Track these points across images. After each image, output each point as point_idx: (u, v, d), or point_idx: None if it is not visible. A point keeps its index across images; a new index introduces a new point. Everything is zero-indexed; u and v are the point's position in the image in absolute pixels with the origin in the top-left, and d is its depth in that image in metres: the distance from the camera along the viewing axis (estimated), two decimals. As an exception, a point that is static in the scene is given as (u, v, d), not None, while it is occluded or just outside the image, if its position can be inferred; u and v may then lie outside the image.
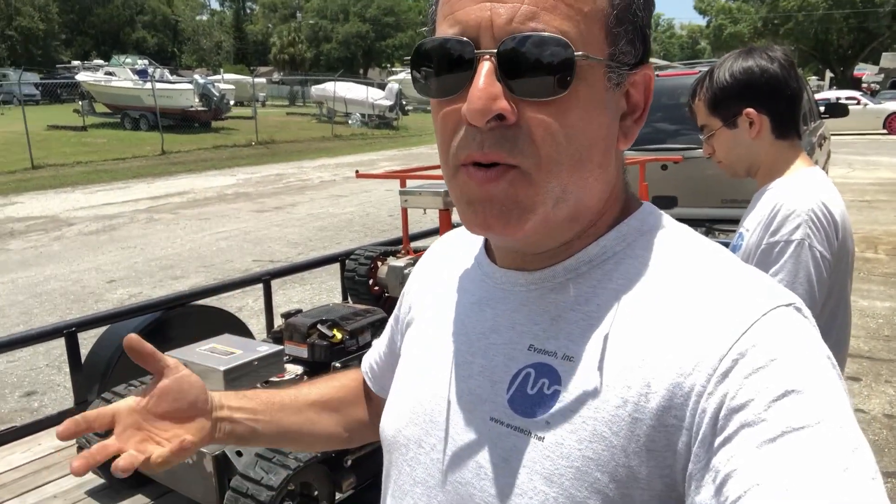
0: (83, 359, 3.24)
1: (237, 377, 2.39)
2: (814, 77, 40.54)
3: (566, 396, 0.59)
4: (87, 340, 3.50)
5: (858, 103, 21.76)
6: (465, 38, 0.57)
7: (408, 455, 0.71)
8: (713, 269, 0.61)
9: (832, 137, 8.92)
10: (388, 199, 11.79)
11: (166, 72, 27.63)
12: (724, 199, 5.83)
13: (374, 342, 0.97)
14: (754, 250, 1.49)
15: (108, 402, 2.65)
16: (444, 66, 0.59)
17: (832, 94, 22.18)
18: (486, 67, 0.56)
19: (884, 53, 38.63)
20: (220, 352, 2.50)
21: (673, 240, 0.65)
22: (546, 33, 0.55)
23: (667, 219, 0.68)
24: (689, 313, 0.57)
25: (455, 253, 0.81)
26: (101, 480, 2.67)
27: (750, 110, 1.55)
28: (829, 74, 39.89)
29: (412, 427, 0.71)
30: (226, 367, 2.36)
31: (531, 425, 0.60)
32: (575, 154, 0.58)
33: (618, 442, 0.55)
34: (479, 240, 0.78)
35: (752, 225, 1.55)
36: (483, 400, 0.65)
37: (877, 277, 6.60)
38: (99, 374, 3.17)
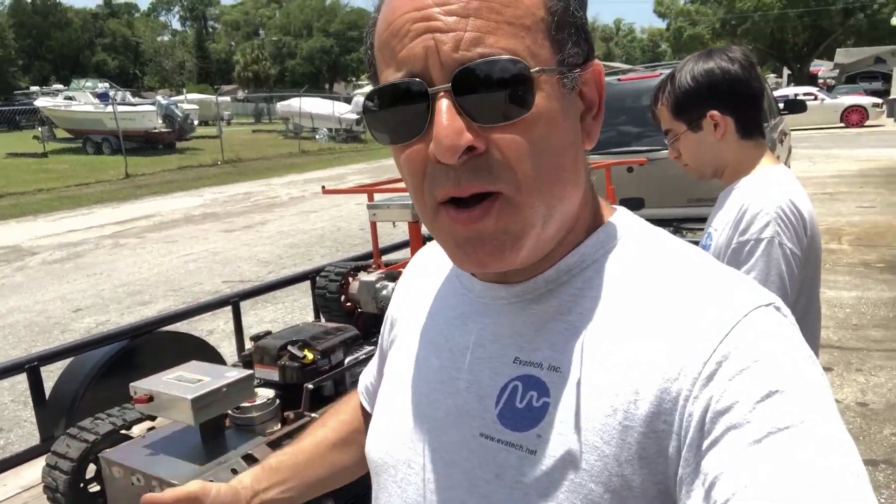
0: (48, 393, 3.15)
1: (206, 405, 2.33)
2: (772, 74, 41.44)
3: (555, 409, 0.59)
4: (54, 373, 3.40)
5: (816, 99, 22.32)
6: (416, 79, 0.56)
7: (397, 476, 0.70)
8: (691, 272, 0.61)
9: (792, 133, 9.10)
10: (358, 214, 11.71)
11: (128, 94, 27.39)
12: (689, 198, 5.91)
13: (370, 363, 0.96)
14: (724, 250, 1.49)
15: (75, 437, 2.57)
16: (400, 111, 0.58)
17: (790, 91, 22.73)
18: (444, 104, 0.55)
19: (837, 49, 39.66)
20: (188, 380, 2.44)
21: (650, 244, 0.65)
22: (496, 56, 0.55)
23: (641, 222, 0.68)
24: (671, 317, 0.57)
25: (433, 267, 0.80)
26: (70, 519, 2.58)
27: (714, 112, 1.55)
28: (786, 72, 40.83)
29: (400, 447, 0.70)
30: (193, 396, 2.30)
31: (522, 439, 0.60)
32: (550, 168, 0.58)
33: (610, 451, 0.55)
34: None
35: (720, 224, 1.55)
36: (471, 416, 0.64)
37: (842, 268, 6.72)
38: (65, 409, 3.08)
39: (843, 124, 23.07)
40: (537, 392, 0.60)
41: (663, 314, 0.58)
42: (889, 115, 24.38)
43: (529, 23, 0.57)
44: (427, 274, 0.81)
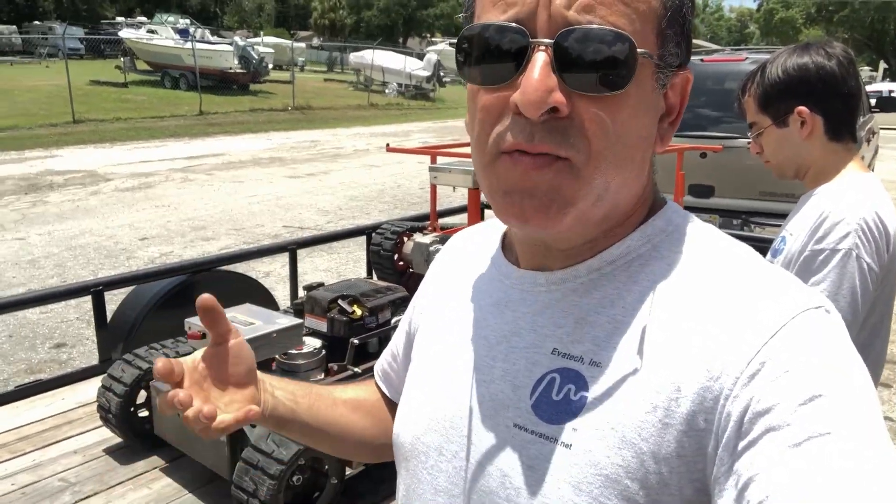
0: (109, 317, 3.30)
1: (255, 348, 2.39)
2: (867, 67, 39.14)
3: (594, 403, 0.58)
4: (116, 298, 3.56)
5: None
6: (519, 26, 0.55)
7: (428, 463, 0.69)
8: (740, 271, 0.59)
9: (881, 132, 8.62)
10: (420, 172, 11.73)
11: (207, 32, 27.77)
12: (762, 191, 5.70)
13: (386, 348, 0.94)
14: (797, 256, 1.42)
15: (129, 363, 2.70)
16: (494, 54, 0.57)
17: (885, 87, 21.43)
18: (541, 59, 0.54)
19: (943, 46, 37.12)
20: (240, 321, 2.51)
21: (699, 241, 0.63)
22: (607, 27, 0.54)
23: (692, 219, 0.66)
24: (716, 316, 0.56)
25: (470, 252, 0.78)
26: (119, 440, 2.72)
27: (802, 109, 1.46)
28: (882, 65, 38.52)
29: (432, 434, 0.69)
30: (247, 338, 2.37)
31: (557, 432, 0.59)
32: (621, 152, 0.57)
33: (648, 448, 0.54)
34: (494, 238, 0.75)
35: (796, 229, 1.47)
36: (505, 406, 0.63)
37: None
38: (123, 334, 3.22)
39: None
40: (576, 386, 0.59)
41: (708, 313, 0.57)
42: None
43: (644, 9, 0.56)
44: (462, 259, 0.79)
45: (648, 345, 0.57)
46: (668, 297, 0.59)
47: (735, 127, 5.86)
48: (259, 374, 0.77)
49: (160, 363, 0.65)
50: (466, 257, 0.78)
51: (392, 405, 0.89)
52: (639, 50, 0.55)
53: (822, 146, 1.49)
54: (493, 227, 0.78)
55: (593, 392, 0.58)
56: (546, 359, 0.62)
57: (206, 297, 0.70)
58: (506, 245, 0.73)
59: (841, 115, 1.48)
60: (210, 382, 0.71)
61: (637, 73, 0.56)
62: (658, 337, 0.57)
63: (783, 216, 1.65)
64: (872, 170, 7.60)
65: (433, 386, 0.72)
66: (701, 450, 0.53)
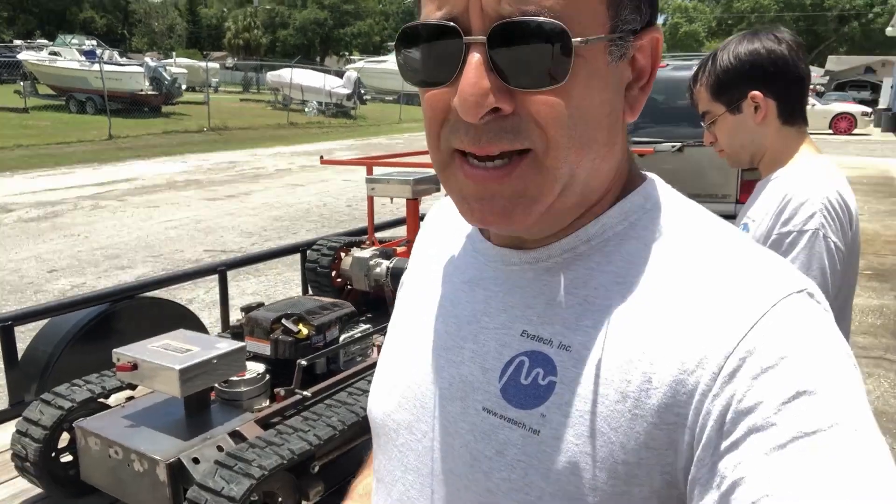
0: (20, 355, 2.99)
1: (194, 377, 2.19)
2: (764, 77, 41.56)
3: (562, 389, 0.56)
4: (26, 334, 3.24)
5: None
6: (451, 23, 0.52)
7: (398, 440, 0.68)
8: (720, 251, 0.57)
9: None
10: (346, 189, 11.54)
11: (115, 54, 26.69)
12: (687, 193, 5.86)
13: None
14: (762, 241, 1.42)
15: (48, 402, 2.42)
16: (430, 53, 0.55)
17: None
18: (475, 57, 0.51)
19: (829, 56, 39.96)
20: (175, 349, 2.29)
21: (678, 218, 0.60)
22: (540, 17, 0.50)
23: (673, 193, 0.63)
24: (693, 302, 0.53)
25: (449, 225, 0.76)
26: (39, 490, 2.44)
27: (756, 94, 1.47)
28: (778, 75, 40.96)
29: (402, 412, 0.68)
30: (182, 367, 2.16)
31: (525, 418, 0.57)
32: (581, 137, 0.54)
33: (616, 438, 0.53)
34: None
35: (758, 215, 1.47)
36: (475, 388, 0.61)
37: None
38: (38, 372, 2.92)
39: (831, 131, 23.20)
40: (544, 370, 0.57)
41: (685, 298, 0.54)
42: (877, 125, 24.55)
43: None
44: (441, 232, 0.77)
45: (620, 330, 0.55)
46: (643, 280, 0.57)
47: (661, 131, 6.04)
48: None
49: None
50: (445, 230, 0.76)
51: None
52: (575, 40, 0.51)
53: (776, 130, 1.50)
54: None
55: (562, 377, 0.56)
56: (516, 341, 0.60)
57: None
58: None
59: (793, 98, 1.50)
60: None
61: (582, 57, 0.52)
62: (630, 322, 0.55)
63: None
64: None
65: (404, 363, 0.71)
66: (672, 444, 0.51)
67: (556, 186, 0.55)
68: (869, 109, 24.66)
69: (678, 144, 6.01)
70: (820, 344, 0.50)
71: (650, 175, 0.64)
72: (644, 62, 0.59)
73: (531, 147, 0.53)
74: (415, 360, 0.69)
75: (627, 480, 0.52)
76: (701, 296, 0.53)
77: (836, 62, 39.76)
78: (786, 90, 1.48)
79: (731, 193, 6.07)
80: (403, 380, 0.70)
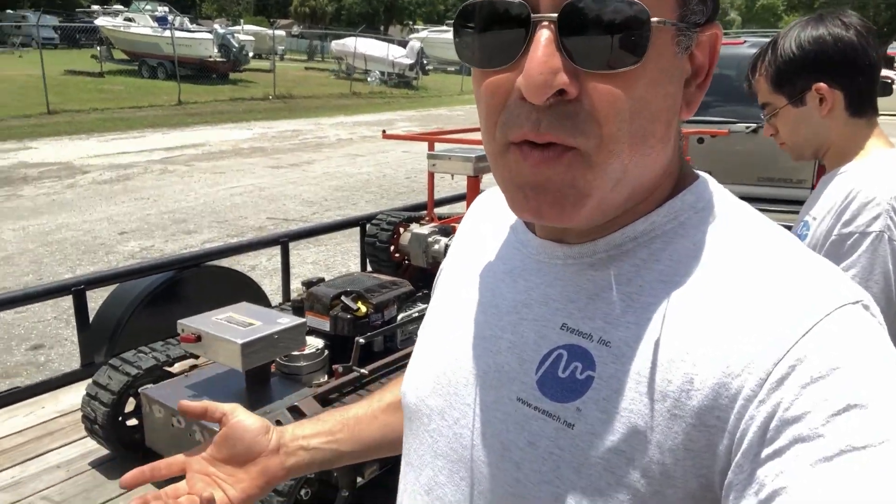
0: (91, 318, 3.09)
1: (255, 351, 2.22)
2: (846, 54, 39.50)
3: (600, 384, 0.55)
4: (97, 297, 3.35)
5: (892, 83, 21.14)
6: (519, 0, 0.50)
7: (430, 426, 0.68)
8: (773, 256, 0.54)
9: (879, 119, 8.60)
10: (405, 161, 11.55)
11: (186, 20, 27.26)
12: (760, 176, 5.65)
13: None
14: (822, 241, 1.33)
15: (116, 368, 2.50)
16: (493, 31, 0.52)
17: (868, 73, 21.56)
18: (545, 35, 0.49)
19: (920, 32, 37.53)
20: (238, 322, 2.32)
21: (730, 220, 0.58)
22: None
23: (726, 195, 0.61)
24: (742, 306, 0.51)
25: (491, 216, 0.75)
26: (107, 452, 2.53)
27: (821, 85, 1.36)
28: (861, 52, 38.87)
29: (435, 397, 0.68)
30: (244, 340, 2.18)
31: (561, 411, 0.56)
32: (638, 131, 0.52)
33: (653, 438, 0.51)
34: None
35: (820, 213, 1.37)
36: (511, 378, 0.61)
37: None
38: (107, 336, 3.01)
39: (919, 113, 21.96)
40: (582, 364, 0.56)
41: (733, 301, 0.52)
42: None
43: None
44: (484, 222, 0.76)
45: (663, 329, 0.53)
46: (690, 280, 0.55)
47: (732, 111, 5.78)
48: (290, 430, 0.82)
49: (127, 478, 0.72)
50: (488, 220, 0.75)
51: None
52: (653, 19, 0.50)
53: (843, 123, 1.40)
54: None
55: (600, 372, 0.55)
56: (555, 334, 0.59)
57: (180, 405, 0.79)
58: None
59: (862, 88, 1.38)
60: (219, 465, 0.77)
61: (654, 43, 0.50)
62: (674, 322, 0.53)
63: (782, 201, 1.55)
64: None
65: (441, 349, 0.70)
66: (710, 447, 0.49)
67: (607, 181, 0.53)
68: (961, 91, 23.17)
69: (753, 125, 5.74)
70: (873, 357, 0.48)
71: (702, 174, 0.62)
72: (702, 59, 0.57)
73: (580, 146, 0.51)
74: (452, 347, 0.69)
75: (662, 481, 0.51)
76: (751, 300, 0.52)
77: (926, 39, 37.34)
78: (854, 80, 1.36)
79: (806, 178, 5.77)
80: (439, 365, 0.69)
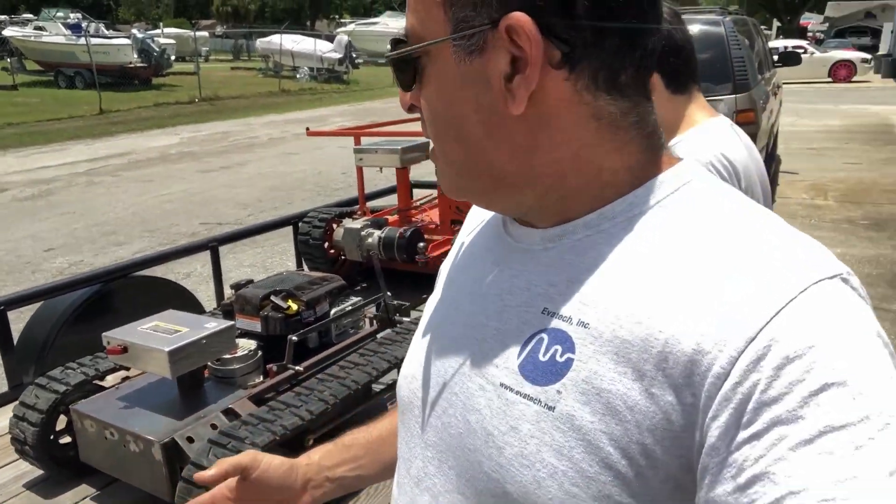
0: (16, 338, 3.01)
1: (184, 357, 2.21)
2: (763, 27, 40.91)
3: (580, 366, 0.55)
4: (22, 316, 3.26)
5: (805, 52, 22.02)
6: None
7: (420, 417, 0.70)
8: (749, 232, 0.55)
9: (784, 86, 8.98)
10: (341, 157, 11.43)
11: (102, 26, 26.27)
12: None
13: None
14: None
15: (43, 387, 2.45)
16: None
17: (780, 44, 22.42)
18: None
19: (829, 2, 39.17)
20: (164, 330, 2.31)
21: (707, 198, 0.60)
22: (397, 35, 0.63)
23: (704, 174, 0.63)
24: (718, 282, 0.52)
25: (485, 214, 0.79)
26: (40, 472, 2.48)
27: None
28: (776, 24, 40.33)
29: (426, 388, 0.70)
30: (171, 348, 2.18)
31: (541, 394, 0.57)
32: (446, 134, 0.63)
33: (632, 417, 0.52)
34: None
35: None
36: (495, 364, 0.62)
37: (826, 224, 6.71)
38: (34, 355, 2.95)
39: (830, 79, 22.94)
40: (562, 346, 0.57)
41: (708, 279, 0.52)
42: (876, 72, 24.21)
43: None
44: (478, 220, 0.79)
45: (640, 308, 0.54)
46: (667, 259, 0.55)
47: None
48: (316, 465, 0.86)
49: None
50: (481, 215, 0.79)
51: None
52: (409, 46, 0.61)
53: (666, 101, 1.50)
54: None
55: (580, 354, 0.56)
56: (536, 318, 0.60)
57: (201, 476, 0.82)
58: None
59: (678, 67, 1.48)
60: None
61: (428, 60, 0.60)
62: (652, 300, 0.54)
63: None
64: (776, 123, 7.91)
65: (431, 342, 0.72)
66: (688, 426, 0.50)
67: (449, 169, 0.66)
68: (868, 56, 24.30)
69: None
70: (852, 332, 0.48)
71: (682, 158, 0.64)
72: (515, 50, 0.55)
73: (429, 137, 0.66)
74: (440, 339, 0.71)
75: (643, 462, 0.51)
76: (726, 276, 0.52)
77: (835, 8, 39.04)
78: (667, 61, 1.46)
79: None
80: (429, 357, 0.71)
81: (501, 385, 0.60)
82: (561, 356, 0.57)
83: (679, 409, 0.50)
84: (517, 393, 0.59)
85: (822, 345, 0.46)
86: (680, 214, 0.58)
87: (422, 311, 0.85)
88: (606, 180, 0.60)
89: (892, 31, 25.33)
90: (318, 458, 0.86)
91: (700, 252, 0.54)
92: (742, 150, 1.46)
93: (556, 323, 0.59)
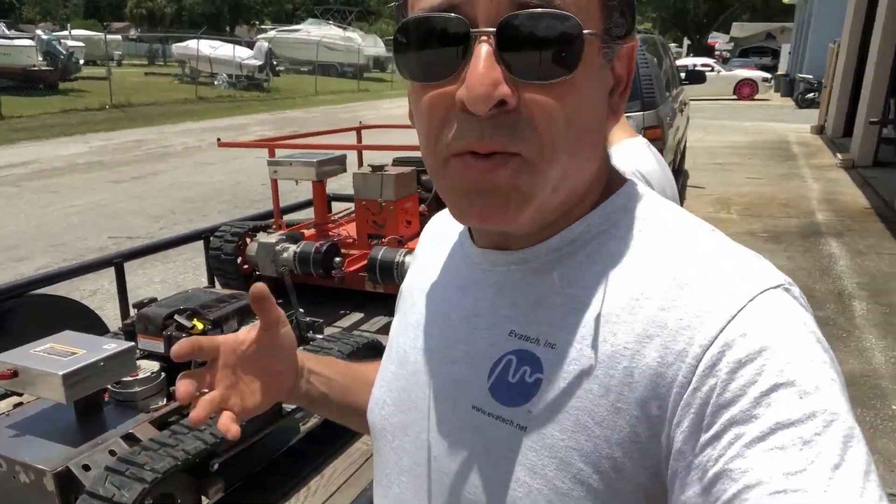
0: None
1: (80, 380, 2.12)
2: (673, 44, 42.80)
3: (548, 385, 0.57)
4: None
5: (712, 70, 23.20)
6: (457, 16, 0.52)
7: (394, 443, 0.70)
8: (698, 250, 0.59)
9: (691, 103, 9.42)
10: (260, 167, 11.16)
11: (3, 26, 24.88)
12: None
13: None
14: None
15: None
16: (432, 46, 0.54)
17: (690, 62, 23.51)
18: (484, 49, 0.51)
19: (734, 23, 41.43)
20: (59, 352, 2.21)
21: (658, 218, 0.63)
22: (551, 9, 0.52)
23: (652, 195, 0.66)
24: (673, 298, 0.55)
25: (445, 232, 0.78)
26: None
27: None
28: (686, 42, 42.30)
29: (397, 414, 0.70)
30: (65, 371, 2.09)
31: (513, 415, 0.59)
32: (574, 138, 0.56)
33: (601, 432, 0.54)
34: None
35: None
36: (465, 387, 0.63)
37: (730, 236, 7.03)
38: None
39: (735, 96, 24.22)
40: (531, 367, 0.59)
41: (663, 295, 0.55)
42: (776, 91, 25.77)
43: None
44: (437, 242, 0.79)
45: (603, 326, 0.57)
46: (625, 278, 0.58)
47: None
48: (301, 358, 0.79)
49: (178, 348, 0.68)
50: (441, 237, 0.78)
51: None
52: (585, 31, 0.53)
53: None
54: None
55: (548, 374, 0.58)
56: (504, 340, 0.62)
57: (260, 287, 0.72)
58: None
59: None
60: (245, 365, 0.72)
61: (584, 55, 0.54)
62: (613, 319, 0.57)
63: None
64: (683, 139, 8.29)
65: (399, 367, 0.73)
66: (654, 436, 0.52)
67: (547, 186, 0.56)
68: (769, 76, 25.82)
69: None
70: (798, 337, 0.51)
71: (629, 178, 0.67)
72: (621, 70, 0.61)
73: (523, 152, 0.54)
74: (409, 364, 0.71)
75: (613, 475, 0.54)
76: (680, 291, 0.55)
77: (739, 29, 41.29)
78: None
79: None
80: (398, 382, 0.72)
81: (473, 407, 0.62)
82: (530, 377, 0.59)
83: (645, 422, 0.53)
84: (489, 415, 0.60)
85: (770, 348, 0.49)
86: (633, 235, 0.61)
87: (338, 327, 0.84)
88: (580, 196, 0.62)
89: (789, 53, 27.00)
90: (301, 357, 0.80)
91: (655, 271, 0.57)
92: (655, 165, 1.53)
93: (523, 345, 0.60)
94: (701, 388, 0.50)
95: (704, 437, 0.49)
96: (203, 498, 2.20)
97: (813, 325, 0.53)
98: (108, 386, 2.38)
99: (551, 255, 0.62)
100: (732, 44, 39.66)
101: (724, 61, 31.21)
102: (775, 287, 0.54)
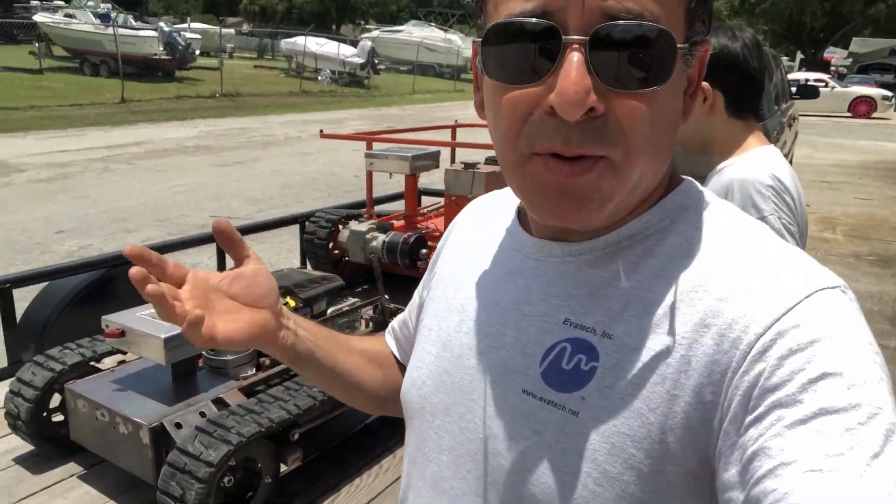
0: (19, 317, 3.07)
1: (179, 345, 2.25)
2: (785, 58, 40.87)
3: (604, 373, 0.59)
4: (28, 295, 3.31)
5: (826, 86, 21.99)
6: (549, 23, 0.53)
7: (434, 423, 0.71)
8: (757, 247, 0.60)
9: (800, 118, 8.98)
10: (355, 159, 11.51)
11: (130, 17, 26.59)
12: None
13: (402, 312, 0.94)
14: None
15: (41, 364, 2.50)
16: (521, 50, 0.55)
17: (802, 76, 22.38)
18: (576, 57, 0.52)
19: (854, 38, 39.11)
20: (162, 317, 2.35)
21: (715, 217, 0.64)
22: (645, 22, 0.52)
23: (709, 194, 0.67)
24: (729, 291, 0.56)
25: (487, 219, 0.79)
26: (31, 447, 2.52)
27: (705, 84, 1.51)
28: (799, 56, 40.27)
29: (439, 395, 0.71)
30: (167, 335, 2.22)
31: (565, 400, 0.60)
32: (656, 142, 0.58)
33: (655, 419, 0.55)
34: (512, 206, 0.76)
35: None
36: (515, 372, 0.64)
37: (833, 257, 6.69)
38: (35, 334, 3.00)
39: (849, 114, 22.86)
40: (587, 356, 0.60)
41: (721, 288, 0.57)
42: (896, 110, 24.13)
43: None
44: (478, 226, 0.80)
45: (660, 318, 0.58)
46: (683, 272, 0.59)
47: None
48: (286, 310, 0.78)
49: (135, 270, 0.63)
50: (482, 224, 0.79)
51: (400, 363, 0.92)
52: (679, 45, 0.55)
53: (724, 122, 1.56)
54: (510, 196, 0.78)
55: (604, 363, 0.59)
56: (557, 328, 0.63)
57: (220, 221, 0.71)
58: (521, 213, 0.74)
59: (743, 93, 1.55)
60: (221, 298, 0.69)
61: (674, 60, 0.55)
62: (671, 310, 0.58)
63: None
64: (791, 154, 7.92)
65: (441, 348, 0.73)
66: (706, 422, 0.53)
67: (626, 187, 0.58)
68: (890, 94, 24.22)
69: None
70: (851, 335, 0.52)
71: (686, 178, 0.68)
72: (693, 72, 0.63)
73: (609, 155, 0.55)
74: (454, 347, 0.72)
75: (664, 459, 0.55)
76: (738, 286, 0.56)
77: (860, 44, 38.93)
78: (734, 85, 1.52)
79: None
80: (441, 364, 0.72)
81: (524, 392, 0.63)
82: (585, 365, 0.60)
83: (699, 408, 0.54)
84: (541, 399, 0.61)
85: (822, 341, 0.50)
86: (692, 232, 0.62)
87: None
88: (648, 199, 0.64)
89: (915, 71, 25.16)
90: (287, 310, 0.79)
91: (713, 266, 0.58)
92: (789, 170, 1.53)
93: (579, 333, 0.61)
94: (750, 372, 0.51)
95: (749, 418, 0.50)
96: (282, 465, 2.29)
97: (866, 327, 0.53)
98: (203, 352, 2.51)
99: (609, 249, 0.63)
100: (851, 59, 37.45)
101: (840, 77, 29.51)
102: (833, 287, 0.55)
